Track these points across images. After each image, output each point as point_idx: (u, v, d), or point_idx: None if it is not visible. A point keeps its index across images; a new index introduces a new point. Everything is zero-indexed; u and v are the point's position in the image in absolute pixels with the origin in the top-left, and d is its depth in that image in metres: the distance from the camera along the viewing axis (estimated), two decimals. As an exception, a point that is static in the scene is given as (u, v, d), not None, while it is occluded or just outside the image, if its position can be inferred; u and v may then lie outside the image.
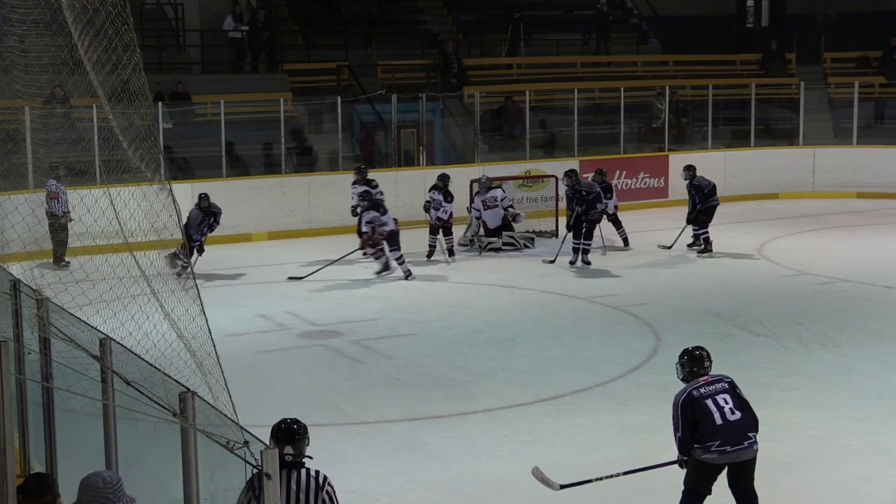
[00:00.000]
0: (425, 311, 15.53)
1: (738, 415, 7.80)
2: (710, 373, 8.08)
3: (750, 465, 7.94)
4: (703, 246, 19.10)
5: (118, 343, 6.56)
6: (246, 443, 5.15)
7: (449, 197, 18.69)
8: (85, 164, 17.93)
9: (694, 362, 8.07)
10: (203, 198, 17.67)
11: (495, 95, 25.50)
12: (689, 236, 19.40)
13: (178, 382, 5.74)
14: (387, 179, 22.46)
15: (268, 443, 5.54)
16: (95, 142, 17.59)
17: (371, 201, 17.93)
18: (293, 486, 6.35)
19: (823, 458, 10.02)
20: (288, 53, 25.44)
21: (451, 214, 18.60)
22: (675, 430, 7.92)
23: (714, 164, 23.63)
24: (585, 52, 28.93)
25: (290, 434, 6.44)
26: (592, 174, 20.10)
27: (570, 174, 18.71)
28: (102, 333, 6.65)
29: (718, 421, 7.76)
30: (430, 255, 18.71)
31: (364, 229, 17.62)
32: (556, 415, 11.04)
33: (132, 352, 6.65)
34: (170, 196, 7.12)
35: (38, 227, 12.16)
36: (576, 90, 24.91)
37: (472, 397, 11.74)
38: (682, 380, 8.09)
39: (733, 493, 8.04)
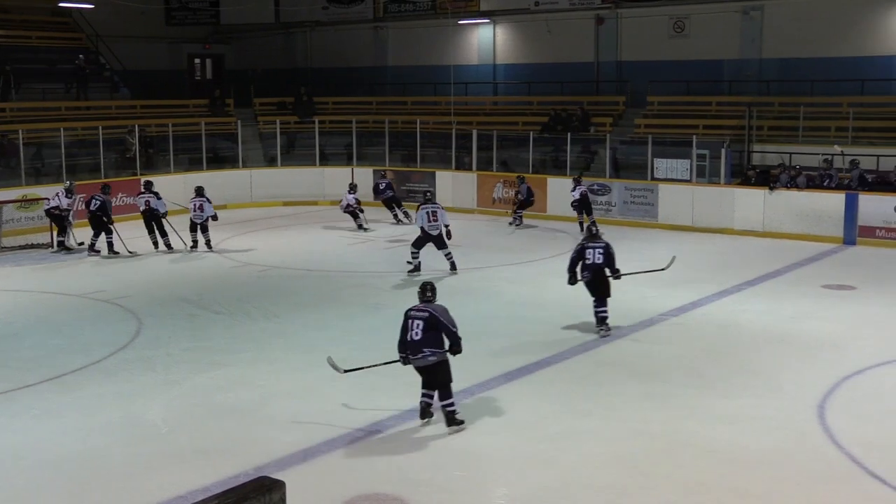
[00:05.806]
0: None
1: (419, 336, 9.08)
2: (430, 304, 9.27)
3: (430, 369, 9.20)
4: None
5: None
6: None
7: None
8: None
9: (421, 292, 9.39)
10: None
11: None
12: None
13: None
14: None
15: None
16: None
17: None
18: None
19: (271, 401, 10.34)
20: None
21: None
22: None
23: (175, 184, 23.62)
24: (68, 97, 27.55)
25: None
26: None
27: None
28: None
29: (409, 338, 9.17)
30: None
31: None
32: (60, 390, 10.67)
33: None
34: None
35: None
36: (62, 128, 23.80)
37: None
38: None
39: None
